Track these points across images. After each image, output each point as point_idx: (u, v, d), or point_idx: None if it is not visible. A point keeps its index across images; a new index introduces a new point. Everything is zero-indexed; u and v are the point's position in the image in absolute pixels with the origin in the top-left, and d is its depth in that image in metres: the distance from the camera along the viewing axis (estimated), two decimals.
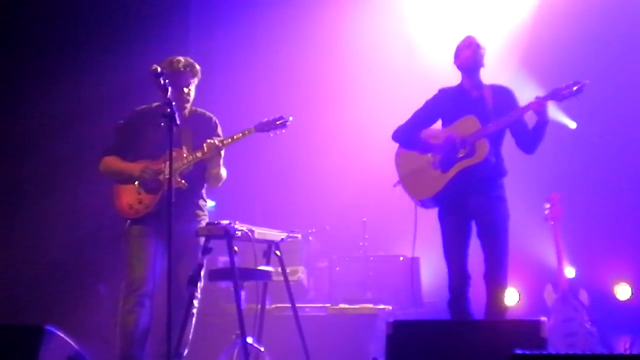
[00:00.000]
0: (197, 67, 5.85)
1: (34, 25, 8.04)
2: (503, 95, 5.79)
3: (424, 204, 5.84)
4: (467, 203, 5.62)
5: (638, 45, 8.66)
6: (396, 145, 6.03)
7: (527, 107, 5.57)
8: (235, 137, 5.71)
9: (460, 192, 5.62)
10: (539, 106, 5.52)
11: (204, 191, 5.97)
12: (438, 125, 5.90)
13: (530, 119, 5.71)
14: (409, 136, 5.88)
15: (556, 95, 5.51)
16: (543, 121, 5.59)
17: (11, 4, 7.98)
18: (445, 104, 5.84)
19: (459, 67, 5.86)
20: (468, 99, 5.77)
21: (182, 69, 5.73)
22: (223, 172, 5.86)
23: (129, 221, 5.75)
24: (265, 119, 5.78)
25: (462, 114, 5.67)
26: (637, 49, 8.65)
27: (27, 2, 8.04)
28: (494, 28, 9.12)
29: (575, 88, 5.45)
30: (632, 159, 8.63)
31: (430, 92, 5.99)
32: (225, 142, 5.69)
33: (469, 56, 5.75)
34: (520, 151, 5.85)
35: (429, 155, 5.75)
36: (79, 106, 7.98)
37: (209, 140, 5.66)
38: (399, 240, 8.57)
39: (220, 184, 5.93)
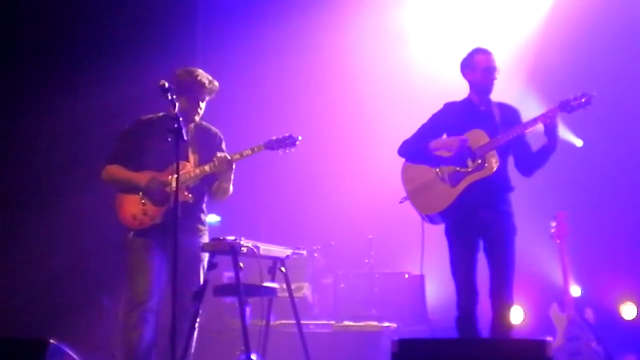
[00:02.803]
0: (217, 84, 5.82)
1: (39, 36, 8.08)
2: (510, 113, 5.76)
3: (432, 219, 5.77)
4: (475, 218, 5.55)
5: None
6: (402, 161, 5.97)
7: (536, 120, 5.49)
8: (244, 153, 5.65)
9: (469, 206, 5.56)
10: (547, 118, 5.44)
11: (204, 204, 5.92)
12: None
13: (534, 141, 5.67)
14: (415, 150, 5.81)
15: (565, 107, 5.42)
16: (553, 135, 5.50)
17: (15, 17, 8.02)
18: (452, 118, 5.78)
19: (471, 83, 5.79)
20: (476, 113, 5.73)
21: (206, 83, 5.71)
22: (231, 186, 5.84)
23: (132, 233, 5.68)
24: (275, 137, 5.73)
25: (469, 128, 5.62)
26: None
27: (32, 14, 8.08)
28: (500, 44, 9.13)
29: (583, 100, 5.38)
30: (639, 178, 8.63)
31: (437, 108, 5.96)
32: (233, 157, 5.64)
33: (489, 82, 5.70)
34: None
35: (437, 169, 5.68)
36: (85, 116, 8.00)
37: (219, 154, 5.63)
38: (404, 257, 8.58)
39: (225, 198, 5.90)
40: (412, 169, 5.87)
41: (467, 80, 5.82)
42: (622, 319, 8.54)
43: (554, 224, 7.39)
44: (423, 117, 5.93)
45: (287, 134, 5.77)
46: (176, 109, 4.88)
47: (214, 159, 5.61)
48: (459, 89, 5.92)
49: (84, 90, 8.09)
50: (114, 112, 7.79)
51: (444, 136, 5.80)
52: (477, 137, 5.58)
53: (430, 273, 7.93)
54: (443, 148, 5.66)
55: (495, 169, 5.50)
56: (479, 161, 5.55)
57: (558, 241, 7.33)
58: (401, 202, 5.92)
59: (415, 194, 5.81)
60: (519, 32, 9.41)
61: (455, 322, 5.57)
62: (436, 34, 9.86)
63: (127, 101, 7.77)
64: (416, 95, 9.00)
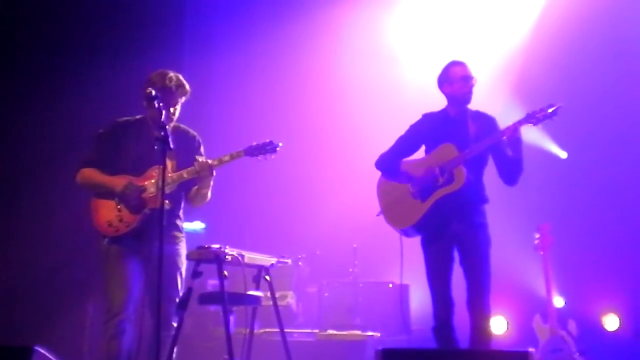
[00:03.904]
0: (187, 87, 5.65)
1: (31, 38, 8.09)
2: (485, 123, 5.76)
3: (406, 232, 5.81)
4: (448, 230, 5.59)
5: (632, 75, 8.73)
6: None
7: (502, 133, 5.51)
8: (222, 159, 5.55)
9: (440, 219, 5.60)
10: (511, 131, 5.46)
11: (181, 211, 5.78)
12: (421, 151, 5.89)
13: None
14: (391, 165, 5.87)
15: (530, 119, 5.41)
16: (517, 148, 5.53)
17: (14, 30, 8.04)
18: (428, 130, 5.81)
19: (448, 95, 5.80)
20: (450, 126, 5.74)
21: (173, 88, 5.53)
22: (209, 193, 5.74)
23: (106, 239, 5.51)
24: (255, 143, 5.63)
25: (444, 141, 5.65)
26: (631, 80, 8.72)
27: (30, 25, 8.10)
28: (486, 56, 9.22)
29: (550, 110, 5.36)
30: (622, 190, 8.69)
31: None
32: (212, 163, 5.51)
33: (466, 92, 5.71)
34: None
35: (409, 184, 5.73)
36: (78, 128, 7.97)
37: (200, 159, 5.51)
38: (389, 267, 8.58)
39: (203, 204, 5.79)
40: (386, 183, 5.94)
41: (445, 93, 5.82)
42: (605, 330, 8.58)
43: (537, 235, 7.43)
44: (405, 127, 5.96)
45: (267, 140, 5.67)
46: (162, 116, 4.83)
47: (195, 164, 5.48)
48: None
49: (73, 95, 8.08)
50: (105, 117, 7.80)
51: (423, 147, 5.84)
52: (447, 152, 5.61)
53: (415, 283, 7.96)
54: (412, 170, 5.74)
55: (463, 183, 5.51)
56: (446, 176, 5.57)
57: (541, 253, 7.38)
58: (378, 216, 5.95)
59: (388, 209, 5.88)
60: (505, 45, 9.47)
61: (432, 332, 5.60)
62: (423, 45, 9.91)
63: (115, 105, 7.77)
64: (403, 105, 9.01)
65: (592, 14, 8.77)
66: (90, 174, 5.58)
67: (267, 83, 9.83)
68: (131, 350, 5.39)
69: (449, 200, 5.55)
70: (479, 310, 5.48)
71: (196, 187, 5.64)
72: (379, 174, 6.01)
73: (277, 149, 5.69)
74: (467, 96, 5.73)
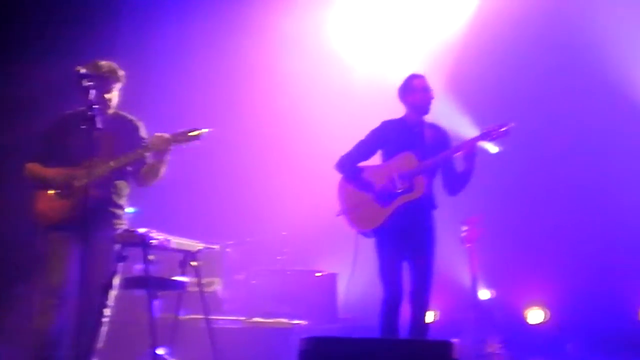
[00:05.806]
0: (121, 72, 5.85)
1: None
2: (440, 135, 6.14)
3: (365, 234, 6.08)
4: (403, 233, 5.89)
5: (563, 70, 8.86)
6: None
7: (459, 147, 5.92)
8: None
9: (398, 225, 5.89)
10: (468, 147, 5.87)
11: (124, 199, 5.92)
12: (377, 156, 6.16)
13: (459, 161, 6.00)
14: (352, 170, 6.13)
15: (486, 137, 5.89)
16: (471, 162, 5.91)
17: None
18: (387, 137, 6.12)
19: (408, 105, 6.11)
20: (409, 135, 6.06)
21: (105, 74, 5.73)
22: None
23: (47, 228, 5.73)
24: (179, 130, 5.70)
25: (402, 149, 5.98)
26: (562, 74, 8.85)
27: None
28: (418, 51, 9.30)
29: (503, 129, 5.86)
30: (550, 184, 8.82)
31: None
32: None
33: (427, 102, 6.06)
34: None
35: (370, 194, 6.00)
36: (11, 106, 7.89)
37: (157, 134, 5.66)
38: (317, 255, 8.60)
39: (155, 182, 5.91)
40: (347, 186, 6.17)
41: (406, 102, 6.14)
42: (528, 323, 8.71)
43: (464, 227, 7.49)
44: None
45: (191, 127, 5.71)
46: (91, 96, 4.83)
47: (151, 139, 5.68)
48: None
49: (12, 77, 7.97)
50: (34, 104, 7.75)
51: (379, 152, 6.15)
52: (407, 160, 5.95)
53: (343, 272, 7.97)
54: (373, 178, 6.02)
55: (422, 191, 5.87)
56: (406, 184, 5.88)
57: (468, 245, 7.44)
58: (338, 216, 6.14)
59: (349, 211, 6.11)
60: (438, 40, 9.54)
61: (380, 317, 5.86)
62: (358, 40, 9.96)
63: (48, 93, 7.73)
64: (338, 95, 9.06)
65: (526, 10, 8.87)
66: (32, 169, 5.87)
67: (203, 68, 9.74)
68: (63, 327, 5.53)
69: (408, 207, 5.90)
70: (420, 303, 5.89)
71: (151, 163, 5.79)
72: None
73: (201, 135, 5.69)
74: (427, 106, 6.11)
